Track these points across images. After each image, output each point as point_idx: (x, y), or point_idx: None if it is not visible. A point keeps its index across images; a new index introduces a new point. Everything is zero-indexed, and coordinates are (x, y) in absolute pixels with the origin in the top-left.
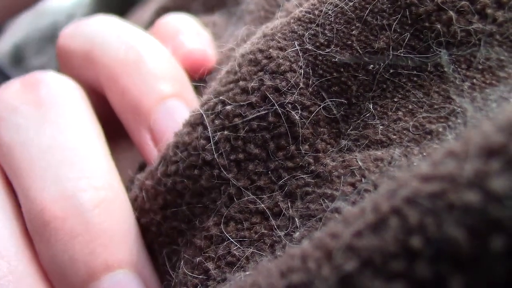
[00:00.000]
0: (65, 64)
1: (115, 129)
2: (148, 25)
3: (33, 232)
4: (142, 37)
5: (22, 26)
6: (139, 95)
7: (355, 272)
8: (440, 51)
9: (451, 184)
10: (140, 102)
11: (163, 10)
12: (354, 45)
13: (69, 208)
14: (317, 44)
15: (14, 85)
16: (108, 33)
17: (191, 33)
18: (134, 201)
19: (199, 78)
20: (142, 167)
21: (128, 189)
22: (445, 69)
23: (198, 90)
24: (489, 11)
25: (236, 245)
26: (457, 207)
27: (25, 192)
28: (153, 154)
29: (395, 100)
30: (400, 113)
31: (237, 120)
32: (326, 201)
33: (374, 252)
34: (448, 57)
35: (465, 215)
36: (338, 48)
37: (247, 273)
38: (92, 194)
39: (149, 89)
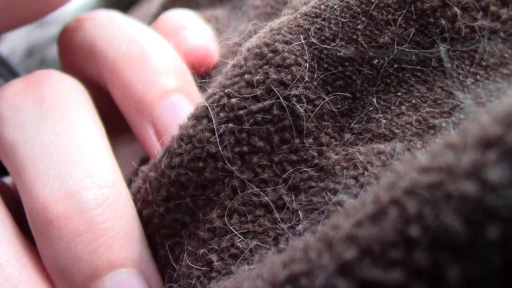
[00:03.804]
0: (67, 58)
1: (115, 124)
2: (154, 18)
3: (35, 231)
4: (145, 31)
5: (29, 35)
6: (142, 90)
7: (354, 260)
8: (444, 47)
9: (449, 174)
10: (143, 97)
11: (169, 3)
12: (359, 39)
13: (72, 206)
14: (323, 38)
15: (17, 84)
16: (111, 28)
17: (194, 29)
18: (137, 192)
19: (203, 73)
20: (143, 161)
21: (131, 181)
22: (444, 64)
23: (202, 87)
24: (493, 8)
25: (240, 238)
26: (455, 197)
27: (27, 190)
28: (156, 148)
29: (399, 94)
30: (403, 107)
31: (241, 113)
32: (328, 194)
33: (373, 241)
34: (452, 53)
35: (462, 205)
36: (343, 42)
37: (251, 266)
38: (96, 192)
39: (152, 84)
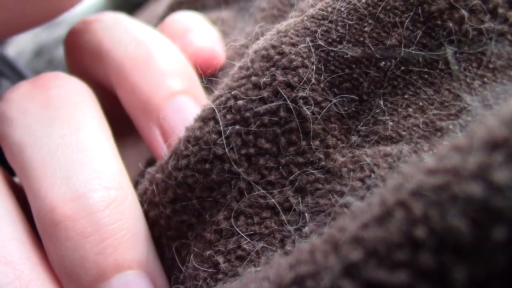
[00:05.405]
0: (74, 60)
1: (122, 126)
2: (161, 19)
3: (43, 232)
4: (151, 33)
5: (37, 36)
6: (149, 91)
7: (360, 261)
8: (451, 49)
9: (455, 176)
10: (149, 98)
11: (176, 5)
12: (366, 41)
13: (80, 208)
14: (330, 40)
15: (24, 86)
16: (117, 30)
17: (200, 31)
18: (143, 194)
19: (210, 74)
20: (150, 162)
21: (138, 183)
22: (451, 67)
23: (209, 88)
24: (501, 10)
25: (246, 239)
26: (461, 198)
27: (35, 191)
28: (163, 149)
29: (406, 97)
30: (410, 109)
31: (248, 115)
32: (335, 196)
33: (379, 242)
34: (459, 55)
35: (468, 206)
36: (350, 45)
37: (258, 268)
38: (103, 194)
39: (159, 85)
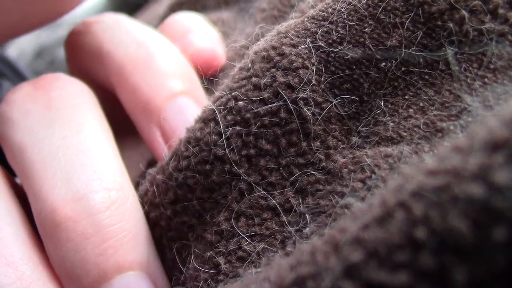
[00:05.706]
0: (74, 61)
1: (122, 127)
2: (162, 20)
3: (44, 233)
4: (152, 34)
5: (39, 36)
6: (150, 93)
7: (361, 262)
8: (451, 50)
9: (456, 177)
10: (150, 100)
11: (177, 6)
12: (367, 42)
13: (81, 210)
14: (330, 41)
15: (25, 88)
16: (118, 31)
17: (200, 32)
18: (144, 195)
19: (210, 75)
20: (150, 163)
21: (139, 184)
22: (451, 67)
23: (209, 89)
24: (501, 11)
25: (247, 241)
26: (461, 199)
27: (36, 193)
28: (163, 150)
29: (406, 97)
30: (411, 110)
31: (249, 116)
32: (336, 197)
33: (380, 243)
34: (460, 56)
35: (468, 207)
36: (350, 46)
37: (259, 269)
38: (104, 195)
39: (160, 87)
